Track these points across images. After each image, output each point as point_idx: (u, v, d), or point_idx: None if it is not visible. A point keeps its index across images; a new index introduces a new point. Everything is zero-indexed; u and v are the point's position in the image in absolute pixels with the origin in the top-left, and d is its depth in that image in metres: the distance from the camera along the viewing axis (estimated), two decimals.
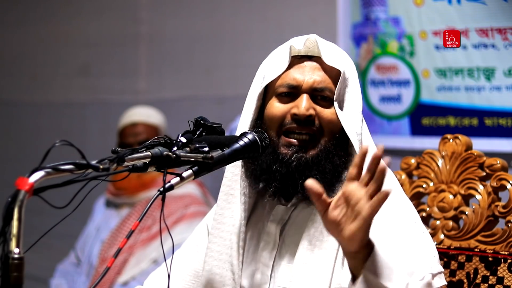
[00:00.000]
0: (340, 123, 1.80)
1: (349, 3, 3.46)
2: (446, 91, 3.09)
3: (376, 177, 1.51)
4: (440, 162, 2.19)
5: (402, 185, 2.24)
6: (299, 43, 1.86)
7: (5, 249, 1.37)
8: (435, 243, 2.13)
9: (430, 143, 2.86)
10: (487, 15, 2.91)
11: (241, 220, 1.87)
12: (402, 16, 3.20)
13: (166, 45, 4.48)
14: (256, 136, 1.78)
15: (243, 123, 1.86)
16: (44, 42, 5.08)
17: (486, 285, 2.01)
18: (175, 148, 1.67)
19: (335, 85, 1.81)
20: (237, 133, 1.82)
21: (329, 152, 1.80)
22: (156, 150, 1.64)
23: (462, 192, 2.13)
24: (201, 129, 1.78)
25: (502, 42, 2.89)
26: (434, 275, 1.73)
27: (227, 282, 1.86)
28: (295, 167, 1.78)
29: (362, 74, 3.39)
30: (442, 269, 1.78)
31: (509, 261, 2.00)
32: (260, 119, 1.86)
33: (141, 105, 3.90)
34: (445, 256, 2.10)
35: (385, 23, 3.26)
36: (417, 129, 3.22)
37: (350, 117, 1.81)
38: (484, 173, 2.11)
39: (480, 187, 2.11)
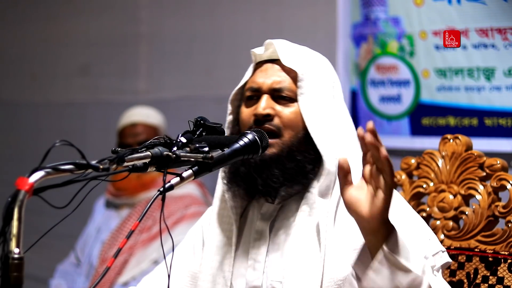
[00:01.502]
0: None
1: (349, 3, 3.46)
2: (446, 91, 3.09)
3: (378, 155, 1.58)
4: (440, 162, 2.19)
5: (402, 185, 2.24)
6: (260, 49, 1.94)
7: (5, 249, 1.36)
8: (451, 261, 2.13)
9: (430, 143, 2.86)
10: (487, 15, 2.91)
11: (233, 221, 1.92)
12: (402, 16, 3.20)
13: (166, 45, 4.48)
14: (256, 136, 1.79)
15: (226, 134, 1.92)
16: (44, 42, 5.08)
17: (486, 285, 2.01)
18: (175, 148, 1.67)
19: (297, 83, 1.87)
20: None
21: (291, 150, 1.85)
22: (156, 150, 1.64)
23: (462, 192, 2.13)
24: (201, 129, 1.79)
25: (502, 42, 2.89)
26: (434, 254, 1.81)
27: (218, 281, 1.90)
28: (254, 166, 1.84)
29: (362, 74, 3.39)
30: (443, 247, 1.85)
31: (509, 261, 2.00)
32: (235, 126, 1.96)
33: (140, 105, 3.90)
34: None
35: (385, 23, 3.26)
36: (417, 129, 3.22)
37: (314, 115, 1.85)
38: (484, 173, 2.11)
39: (480, 187, 2.11)
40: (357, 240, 1.74)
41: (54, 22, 5.03)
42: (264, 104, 1.86)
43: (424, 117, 3.19)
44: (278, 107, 1.87)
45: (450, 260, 1.86)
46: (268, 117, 1.86)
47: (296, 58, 1.90)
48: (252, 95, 1.91)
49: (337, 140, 1.88)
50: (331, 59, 3.59)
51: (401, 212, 1.85)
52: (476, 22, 2.94)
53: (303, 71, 1.87)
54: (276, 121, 1.85)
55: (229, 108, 1.98)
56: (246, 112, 1.90)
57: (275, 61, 1.91)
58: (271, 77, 1.89)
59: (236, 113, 1.96)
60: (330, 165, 1.83)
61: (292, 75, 1.89)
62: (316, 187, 1.84)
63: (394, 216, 1.78)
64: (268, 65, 1.92)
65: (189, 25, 4.38)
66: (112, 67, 4.74)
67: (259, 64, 1.95)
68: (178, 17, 4.43)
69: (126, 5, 4.70)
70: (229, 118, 1.96)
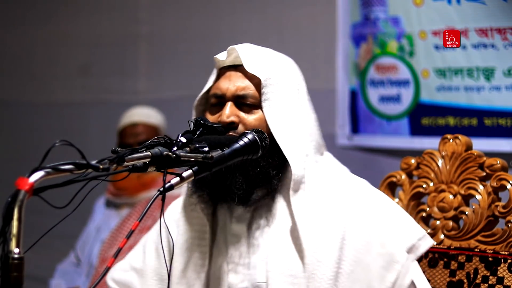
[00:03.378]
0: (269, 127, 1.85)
1: (348, 3, 3.46)
2: (445, 91, 3.09)
3: None
4: (440, 162, 2.19)
5: (402, 185, 2.24)
6: (223, 55, 1.92)
7: (5, 249, 1.37)
8: (435, 243, 2.14)
9: (429, 143, 2.86)
10: (487, 15, 2.91)
11: (205, 225, 1.92)
12: (401, 16, 3.20)
13: (166, 45, 4.48)
14: (256, 136, 1.79)
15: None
16: (44, 42, 5.08)
17: (486, 285, 2.01)
18: (175, 148, 1.67)
19: (261, 90, 1.87)
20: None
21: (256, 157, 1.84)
22: (156, 150, 1.64)
23: (462, 192, 2.14)
24: (201, 129, 1.79)
25: (501, 42, 2.89)
26: (420, 239, 1.86)
27: (194, 286, 1.91)
28: (219, 173, 1.82)
29: (362, 74, 3.40)
30: (424, 231, 1.88)
31: (509, 261, 2.00)
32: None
33: (141, 105, 3.90)
34: (445, 256, 2.10)
35: (384, 23, 3.26)
36: (416, 129, 3.22)
37: (278, 121, 1.85)
38: (484, 173, 2.11)
39: (480, 187, 2.11)
40: (336, 228, 1.80)
41: (54, 22, 5.03)
42: (228, 112, 1.85)
43: (423, 117, 3.19)
44: (242, 114, 1.86)
45: (430, 243, 1.89)
46: (233, 125, 1.85)
47: (260, 63, 1.88)
48: (216, 102, 1.90)
49: (302, 144, 1.88)
50: (331, 59, 3.63)
51: (374, 205, 1.87)
52: (476, 22, 2.94)
53: (266, 77, 1.86)
54: (240, 128, 1.85)
55: (194, 113, 1.96)
56: (211, 119, 1.89)
57: (239, 66, 1.90)
58: (234, 84, 1.88)
59: None
60: (297, 169, 1.83)
61: (256, 81, 1.88)
62: (285, 188, 1.85)
63: (368, 211, 1.84)
64: (232, 71, 1.91)
65: (189, 25, 4.38)
66: (112, 67, 4.74)
67: (222, 70, 1.93)
68: (178, 17, 4.44)
69: (126, 5, 4.71)
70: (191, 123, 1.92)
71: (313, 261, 1.80)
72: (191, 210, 1.94)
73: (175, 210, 2.03)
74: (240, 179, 1.83)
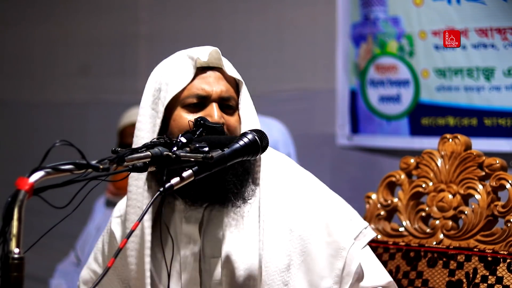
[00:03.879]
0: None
1: (348, 3, 3.47)
2: (445, 91, 3.09)
3: None
4: (439, 162, 2.19)
5: (401, 185, 2.24)
6: (204, 55, 1.89)
7: (5, 249, 1.37)
8: (435, 242, 2.14)
9: (429, 143, 2.87)
10: (487, 15, 2.92)
11: (146, 229, 1.88)
12: (401, 16, 3.20)
13: (166, 45, 4.48)
14: (256, 136, 1.79)
15: (144, 139, 1.85)
16: (44, 42, 5.08)
17: (485, 284, 2.02)
18: (175, 148, 1.67)
19: (237, 94, 1.91)
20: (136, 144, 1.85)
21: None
22: (156, 150, 1.64)
23: (462, 191, 2.14)
24: (201, 129, 1.79)
25: (501, 42, 2.89)
26: (366, 228, 1.91)
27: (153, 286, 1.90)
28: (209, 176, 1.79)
29: (362, 74, 3.40)
30: (366, 223, 1.93)
31: (508, 260, 2.00)
32: (163, 132, 1.87)
33: None
34: (444, 255, 2.10)
35: (384, 23, 3.26)
36: (416, 129, 3.22)
37: (250, 120, 1.90)
38: (484, 173, 2.11)
39: (480, 187, 2.11)
40: (284, 220, 1.84)
41: (54, 22, 5.03)
42: (219, 113, 1.85)
43: (423, 117, 3.19)
44: (225, 116, 1.88)
45: (374, 234, 1.94)
46: (223, 126, 1.86)
47: (231, 66, 1.93)
48: (197, 102, 1.87)
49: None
50: (331, 59, 3.63)
51: (320, 196, 1.91)
52: (476, 22, 2.95)
53: (241, 80, 1.91)
54: (225, 129, 1.86)
55: (159, 118, 1.89)
56: (182, 120, 1.85)
57: (216, 68, 1.90)
58: (219, 86, 1.88)
59: (166, 117, 1.89)
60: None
61: (233, 84, 1.91)
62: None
63: (314, 202, 1.88)
64: (211, 72, 1.90)
65: (189, 25, 4.38)
66: (112, 67, 4.74)
67: (200, 70, 1.90)
68: (178, 17, 4.44)
69: (126, 5, 4.71)
70: (157, 121, 1.88)
71: (266, 254, 1.83)
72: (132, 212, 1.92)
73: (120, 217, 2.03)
74: (234, 179, 1.85)
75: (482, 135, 2.99)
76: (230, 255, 1.83)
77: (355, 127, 3.51)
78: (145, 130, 1.87)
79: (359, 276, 1.86)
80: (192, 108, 1.87)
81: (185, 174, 1.65)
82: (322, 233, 1.85)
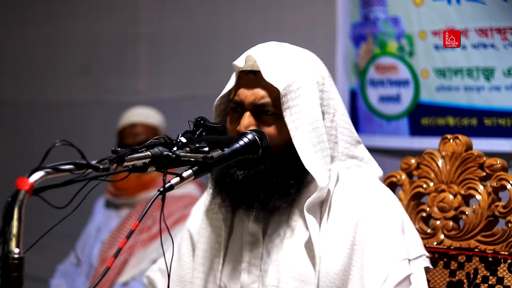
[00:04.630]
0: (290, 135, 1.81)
1: (348, 3, 3.46)
2: (445, 91, 3.09)
3: None
4: (440, 162, 2.19)
5: (402, 185, 2.24)
6: (241, 61, 1.86)
7: (5, 249, 1.37)
8: (435, 243, 2.14)
9: (429, 143, 2.86)
10: (487, 15, 2.91)
11: (220, 231, 1.92)
12: (401, 16, 3.20)
13: (166, 45, 4.48)
14: (256, 136, 1.79)
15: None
16: (44, 42, 5.08)
17: (486, 285, 2.01)
18: (175, 148, 1.67)
19: (280, 99, 1.81)
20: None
21: (274, 167, 1.82)
22: (156, 150, 1.64)
23: (462, 192, 2.14)
24: (201, 129, 1.79)
25: (501, 42, 2.89)
26: (417, 257, 1.82)
27: (208, 285, 1.92)
28: (241, 183, 1.82)
29: (361, 74, 3.40)
30: (427, 253, 1.85)
31: (509, 261, 2.00)
32: None
33: (140, 106, 3.90)
34: (445, 256, 2.10)
35: (384, 23, 3.26)
36: (416, 129, 3.22)
37: (300, 129, 1.80)
38: (484, 173, 2.11)
39: (480, 187, 2.11)
40: (349, 234, 1.79)
41: (54, 22, 5.03)
42: (246, 122, 1.81)
43: (423, 117, 3.19)
44: (261, 125, 1.82)
45: (431, 266, 1.88)
46: None
47: (279, 69, 1.82)
48: (235, 107, 1.86)
49: (326, 155, 1.83)
50: (331, 59, 3.63)
51: (391, 217, 1.84)
52: (476, 22, 2.94)
53: (286, 85, 1.80)
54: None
55: (214, 113, 1.94)
56: (231, 126, 1.87)
57: (258, 72, 1.83)
58: (253, 92, 1.83)
59: (223, 118, 1.93)
60: (321, 182, 1.80)
61: (275, 89, 1.81)
62: (305, 198, 1.83)
63: (383, 217, 1.82)
64: (251, 76, 1.85)
65: (189, 25, 4.38)
66: (112, 67, 4.74)
67: (241, 74, 1.88)
68: (178, 17, 4.44)
69: (126, 5, 4.71)
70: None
71: (323, 269, 1.79)
72: (212, 213, 1.94)
73: (197, 216, 2.04)
74: (263, 190, 1.82)
75: (482, 135, 2.98)
76: (288, 261, 1.81)
77: (355, 127, 3.50)
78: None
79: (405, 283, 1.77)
80: (234, 113, 1.87)
81: (185, 174, 1.65)
82: (381, 252, 1.78)
